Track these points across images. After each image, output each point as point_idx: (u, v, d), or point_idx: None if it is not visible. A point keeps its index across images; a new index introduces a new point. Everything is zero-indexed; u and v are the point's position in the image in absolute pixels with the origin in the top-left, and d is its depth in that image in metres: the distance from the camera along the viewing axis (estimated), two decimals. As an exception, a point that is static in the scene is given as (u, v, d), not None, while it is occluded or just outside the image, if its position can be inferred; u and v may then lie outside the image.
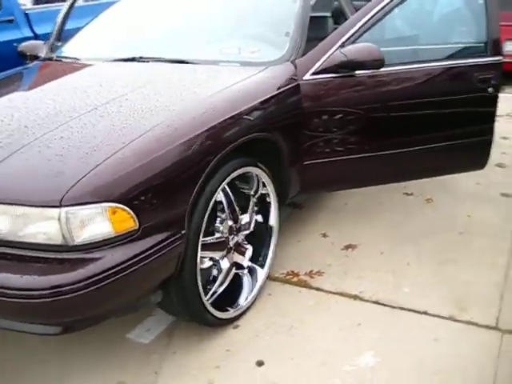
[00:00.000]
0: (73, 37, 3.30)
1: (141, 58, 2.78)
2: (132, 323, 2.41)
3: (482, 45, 2.82)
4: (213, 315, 2.27)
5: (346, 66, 2.57)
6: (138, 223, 1.82)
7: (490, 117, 2.85)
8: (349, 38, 2.63)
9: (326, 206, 3.44)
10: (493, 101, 2.82)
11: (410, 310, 2.45)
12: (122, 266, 1.79)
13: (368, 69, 2.58)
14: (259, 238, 2.57)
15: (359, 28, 2.65)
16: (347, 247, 2.98)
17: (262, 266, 2.56)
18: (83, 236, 1.75)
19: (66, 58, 3.05)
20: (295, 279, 2.71)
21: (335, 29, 3.33)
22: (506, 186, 3.60)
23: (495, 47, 2.80)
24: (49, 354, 2.28)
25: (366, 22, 2.66)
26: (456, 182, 3.51)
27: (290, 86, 2.52)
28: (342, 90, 2.65)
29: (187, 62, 2.69)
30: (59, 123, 2.07)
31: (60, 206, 1.71)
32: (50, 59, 3.09)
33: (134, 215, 1.80)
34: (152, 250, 1.88)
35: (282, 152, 2.49)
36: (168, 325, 2.41)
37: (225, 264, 2.35)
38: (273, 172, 2.50)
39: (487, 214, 3.30)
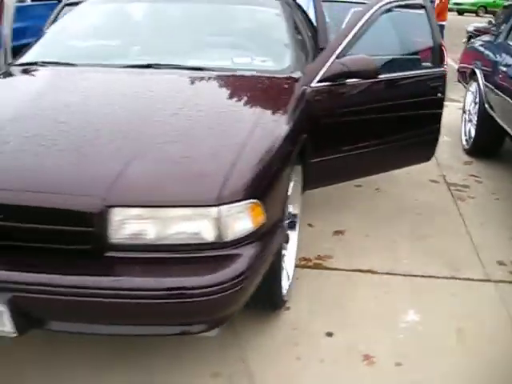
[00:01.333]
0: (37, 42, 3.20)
1: (157, 65, 2.83)
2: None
3: (431, 57, 3.48)
4: (282, 299, 2.50)
5: (345, 76, 2.99)
6: (266, 218, 1.97)
7: (439, 117, 3.51)
8: (342, 51, 3.06)
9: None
10: (441, 103, 3.48)
11: (418, 276, 2.95)
12: (261, 260, 1.94)
13: (365, 78, 3.03)
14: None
15: (348, 42, 3.09)
16: (337, 233, 3.39)
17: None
18: (234, 233, 1.85)
19: (52, 63, 2.92)
20: (310, 263, 3.05)
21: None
22: (429, 174, 4.36)
23: (441, 59, 3.47)
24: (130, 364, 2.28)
25: (353, 37, 3.11)
26: (392, 172, 4.14)
27: (306, 92, 2.86)
28: (337, 97, 3.06)
29: (204, 70, 2.83)
30: (153, 128, 2.13)
31: (217, 205, 1.80)
32: (32, 64, 2.94)
33: (264, 210, 1.95)
34: (273, 243, 2.07)
35: (306, 152, 2.81)
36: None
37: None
38: None
39: (429, 197, 4.00)
